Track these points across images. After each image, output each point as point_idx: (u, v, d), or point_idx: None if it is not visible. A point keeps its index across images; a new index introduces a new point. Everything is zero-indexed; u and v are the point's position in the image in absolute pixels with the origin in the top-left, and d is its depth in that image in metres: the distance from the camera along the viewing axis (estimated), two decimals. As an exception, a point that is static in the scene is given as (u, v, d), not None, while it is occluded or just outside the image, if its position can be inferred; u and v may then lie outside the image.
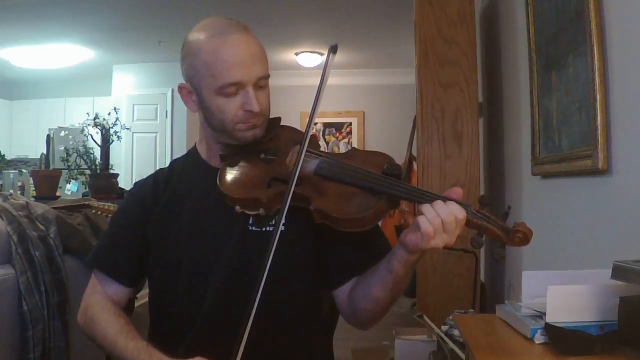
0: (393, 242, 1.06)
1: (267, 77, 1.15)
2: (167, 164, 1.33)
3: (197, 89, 1.15)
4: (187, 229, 1.17)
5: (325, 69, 1.05)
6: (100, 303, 1.18)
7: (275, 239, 0.99)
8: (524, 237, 0.93)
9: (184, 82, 1.20)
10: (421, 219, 0.93)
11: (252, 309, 0.96)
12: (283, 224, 1.13)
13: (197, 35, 1.14)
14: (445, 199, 0.95)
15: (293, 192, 1.04)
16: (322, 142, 7.06)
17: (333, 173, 1.08)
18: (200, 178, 1.22)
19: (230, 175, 1.14)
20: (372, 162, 1.10)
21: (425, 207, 0.94)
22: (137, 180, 1.33)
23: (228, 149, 1.18)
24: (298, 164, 1.04)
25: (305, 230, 1.13)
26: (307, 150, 1.08)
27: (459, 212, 0.93)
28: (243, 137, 1.15)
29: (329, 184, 1.07)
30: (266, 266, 0.98)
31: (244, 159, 1.16)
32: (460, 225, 0.93)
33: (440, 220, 0.92)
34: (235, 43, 1.10)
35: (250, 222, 1.14)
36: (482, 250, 2.65)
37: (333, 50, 1.05)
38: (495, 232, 0.94)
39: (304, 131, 1.09)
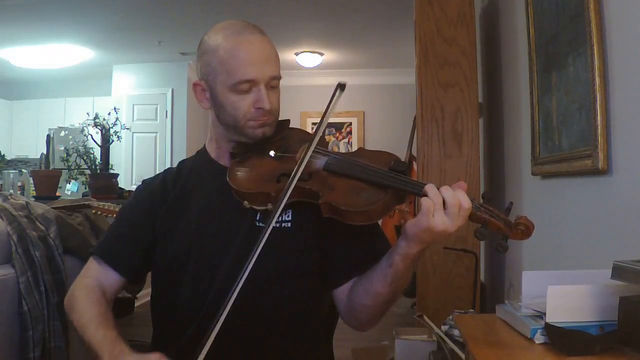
0: (393, 242, 1.07)
1: (279, 77, 1.19)
2: (168, 164, 1.34)
3: (211, 86, 1.18)
4: (195, 224, 1.18)
5: (330, 103, 1.10)
6: (86, 287, 1.18)
7: (266, 231, 1.00)
8: (526, 229, 0.94)
9: (198, 79, 1.22)
10: (424, 198, 0.95)
11: (230, 297, 0.96)
12: (289, 222, 1.15)
13: (215, 35, 1.17)
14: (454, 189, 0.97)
15: (303, 187, 1.06)
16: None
17: (342, 168, 1.10)
18: (209, 176, 1.24)
19: (240, 171, 1.16)
20: (379, 160, 1.12)
21: (429, 186, 0.97)
22: (145, 179, 1.34)
23: (239, 147, 1.20)
24: (306, 154, 1.06)
25: (310, 228, 1.14)
26: (316, 148, 1.11)
27: (465, 201, 0.95)
28: (253, 134, 1.18)
29: (337, 179, 1.09)
30: (252, 256, 0.98)
31: (255, 156, 1.19)
32: (464, 215, 0.95)
33: (441, 199, 0.94)
34: (251, 42, 1.14)
35: (258, 217, 1.15)
36: (482, 250, 2.65)
37: (341, 88, 1.09)
38: (498, 225, 0.96)
39: (312, 133, 1.14)
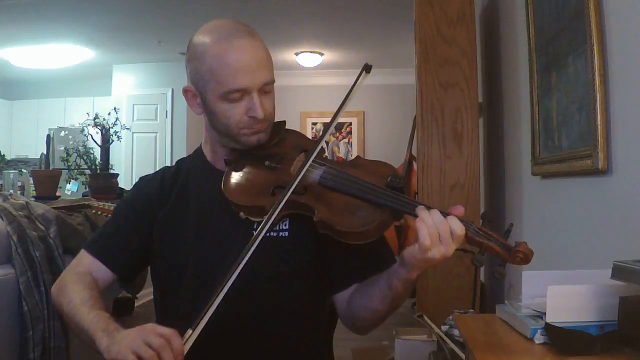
0: (392, 241, 1.06)
1: (272, 82, 1.15)
2: (167, 164, 1.33)
3: (202, 93, 1.15)
4: (193, 233, 1.17)
5: (354, 85, 1.09)
6: (77, 274, 1.16)
7: (257, 239, 0.99)
8: (525, 257, 0.92)
9: (188, 84, 1.18)
10: (421, 232, 0.93)
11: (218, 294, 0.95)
12: (286, 230, 1.14)
13: (203, 39, 1.13)
14: (446, 215, 0.95)
15: (298, 201, 1.05)
16: (322, 143, 7.06)
17: (338, 184, 1.08)
18: (206, 181, 1.22)
19: (235, 181, 1.14)
20: (376, 172, 1.10)
21: (425, 218, 0.93)
22: (143, 175, 1.31)
23: (233, 154, 1.18)
24: (297, 178, 1.05)
25: (308, 235, 1.12)
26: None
27: (458, 229, 0.93)
28: (247, 141, 1.15)
29: (333, 194, 1.07)
30: (243, 259, 0.97)
31: (249, 165, 1.16)
32: (458, 240, 0.93)
33: (437, 232, 0.92)
34: (240, 48, 1.10)
35: (255, 226, 1.12)
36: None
37: (367, 69, 1.08)
38: (497, 251, 0.93)
39: (308, 136, 1.11)
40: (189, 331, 0.92)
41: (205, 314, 0.92)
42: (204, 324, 0.92)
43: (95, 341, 0.96)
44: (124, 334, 0.94)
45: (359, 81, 1.10)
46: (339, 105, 1.13)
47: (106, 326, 0.98)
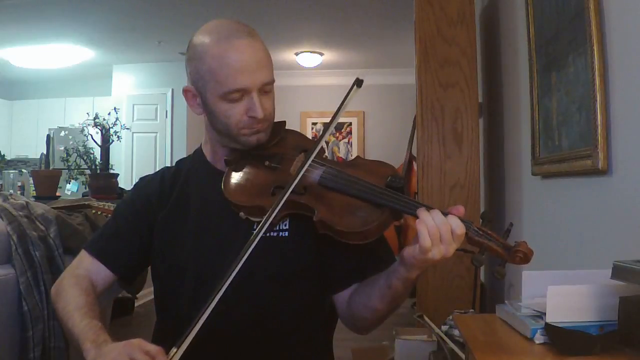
0: (392, 241, 1.06)
1: (272, 82, 1.15)
2: (168, 164, 1.33)
3: (201, 93, 1.15)
4: (193, 233, 1.17)
5: (345, 98, 1.09)
6: (76, 277, 1.16)
7: (255, 239, 0.99)
8: (525, 256, 0.92)
9: (188, 85, 1.18)
10: (421, 232, 0.93)
11: (214, 297, 0.95)
12: (286, 230, 1.14)
13: (203, 39, 1.13)
14: (447, 214, 0.95)
15: (298, 202, 1.06)
16: (322, 143, 7.08)
17: (337, 184, 1.08)
18: (206, 181, 1.22)
19: (235, 181, 1.14)
20: (376, 172, 1.10)
21: (426, 219, 0.94)
22: (143, 175, 1.32)
23: (233, 154, 1.18)
24: (296, 178, 1.05)
25: (308, 235, 1.12)
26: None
27: (459, 228, 0.93)
28: (247, 141, 1.16)
29: (333, 194, 1.07)
30: (240, 259, 0.97)
31: (249, 165, 1.17)
32: (459, 240, 0.94)
33: (437, 232, 0.92)
34: (240, 49, 1.10)
35: (255, 227, 1.11)
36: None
37: (358, 84, 1.09)
38: (497, 250, 0.93)
39: (308, 137, 1.11)
40: (174, 349, 0.92)
41: (191, 331, 0.93)
42: (188, 343, 0.92)
43: (83, 351, 0.97)
44: (110, 347, 0.94)
45: (350, 95, 1.10)
46: (338, 105, 1.13)
47: (95, 337, 0.98)
